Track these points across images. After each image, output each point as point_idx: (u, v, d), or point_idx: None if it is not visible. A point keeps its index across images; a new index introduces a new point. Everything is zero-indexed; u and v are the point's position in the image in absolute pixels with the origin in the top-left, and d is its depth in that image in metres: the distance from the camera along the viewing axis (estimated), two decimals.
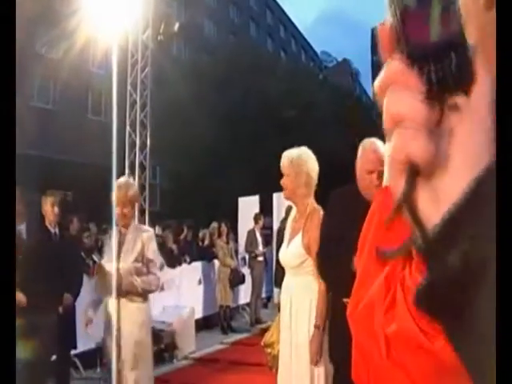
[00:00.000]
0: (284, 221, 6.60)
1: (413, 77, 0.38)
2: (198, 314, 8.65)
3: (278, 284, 4.84)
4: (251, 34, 38.72)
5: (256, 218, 9.91)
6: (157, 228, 11.28)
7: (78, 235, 7.64)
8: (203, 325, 8.98)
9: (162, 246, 9.04)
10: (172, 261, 8.85)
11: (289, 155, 3.30)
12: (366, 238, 0.91)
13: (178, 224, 12.38)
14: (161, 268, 7.98)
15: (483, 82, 0.38)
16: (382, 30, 0.41)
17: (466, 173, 0.37)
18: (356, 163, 2.81)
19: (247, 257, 10.14)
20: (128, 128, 7.92)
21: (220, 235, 9.42)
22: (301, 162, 3.24)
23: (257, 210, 10.70)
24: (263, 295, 10.47)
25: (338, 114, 25.03)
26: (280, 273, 3.82)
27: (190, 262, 9.59)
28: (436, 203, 0.38)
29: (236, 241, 10.71)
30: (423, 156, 0.38)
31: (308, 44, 52.71)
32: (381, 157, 2.68)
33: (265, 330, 4.28)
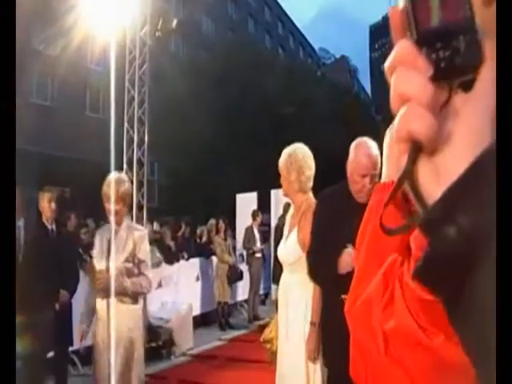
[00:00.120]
0: (282, 218, 6.61)
1: (421, 58, 0.39)
2: (196, 311, 8.65)
3: (276, 280, 4.84)
4: (249, 30, 38.62)
5: (254, 215, 9.91)
6: (155, 224, 11.27)
7: (75, 231, 7.63)
8: (201, 321, 8.98)
9: (159, 243, 9.05)
10: (170, 257, 8.84)
11: (286, 152, 3.32)
12: (363, 236, 0.91)
13: (175, 220, 12.38)
14: (158, 265, 8.02)
15: (490, 66, 0.39)
16: (393, 12, 0.42)
17: (469, 151, 0.38)
18: (347, 165, 2.75)
19: (245, 253, 10.14)
20: (126, 124, 7.90)
21: (218, 232, 9.43)
22: (297, 158, 3.25)
23: (255, 206, 10.71)
24: (261, 292, 10.47)
25: (336, 111, 25.00)
26: (278, 269, 3.82)
27: (187, 259, 9.58)
28: (437, 180, 0.39)
29: (234, 237, 10.71)
30: (426, 133, 0.39)
31: (306, 41, 52.63)
32: (374, 160, 2.66)
33: (263, 327, 4.29)
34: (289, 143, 3.40)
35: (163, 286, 8.09)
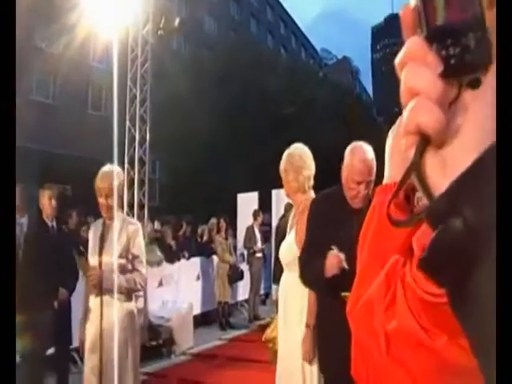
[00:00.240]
0: (283, 218, 6.61)
1: (431, 54, 0.40)
2: (197, 310, 8.66)
3: (277, 280, 4.85)
4: (251, 30, 38.63)
5: (255, 215, 9.92)
6: (156, 223, 11.29)
7: (76, 229, 7.64)
8: (201, 321, 8.99)
9: (160, 242, 9.06)
10: (171, 256, 8.85)
11: (286, 153, 3.32)
12: (365, 237, 0.91)
13: (176, 220, 12.38)
14: (159, 263, 8.02)
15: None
16: (405, 10, 0.43)
17: (477, 145, 0.38)
18: (342, 170, 2.72)
19: (246, 253, 10.15)
20: (127, 123, 7.91)
21: (219, 231, 9.43)
22: (296, 158, 3.25)
23: (256, 206, 10.71)
24: (261, 292, 10.48)
25: (338, 112, 24.98)
26: (279, 269, 3.82)
27: (188, 258, 9.59)
28: (444, 172, 0.40)
29: (235, 237, 10.71)
30: (434, 126, 0.40)
31: (308, 41, 52.63)
32: (369, 165, 2.64)
33: (263, 327, 4.29)
34: (290, 143, 3.40)
35: (164, 284, 8.10)
